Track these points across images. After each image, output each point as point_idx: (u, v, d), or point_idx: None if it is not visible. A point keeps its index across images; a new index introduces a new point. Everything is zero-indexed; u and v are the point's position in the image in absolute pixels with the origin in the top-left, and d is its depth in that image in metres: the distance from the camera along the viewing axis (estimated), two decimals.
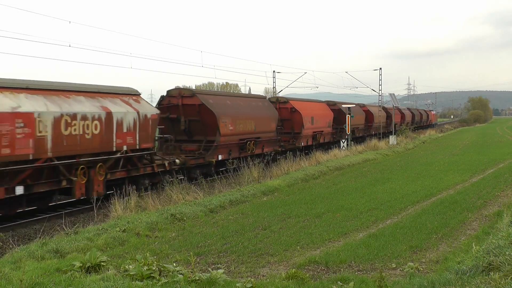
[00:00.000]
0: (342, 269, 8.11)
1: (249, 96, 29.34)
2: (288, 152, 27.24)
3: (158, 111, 17.84)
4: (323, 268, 8.26)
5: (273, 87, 48.00)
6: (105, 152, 15.18)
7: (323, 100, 38.77)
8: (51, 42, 42.74)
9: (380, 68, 47.96)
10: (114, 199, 13.36)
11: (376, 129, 46.90)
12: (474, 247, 7.85)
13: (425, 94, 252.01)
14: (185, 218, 12.28)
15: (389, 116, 51.55)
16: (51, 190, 13.79)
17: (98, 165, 14.77)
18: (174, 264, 7.96)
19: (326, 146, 34.21)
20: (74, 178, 13.97)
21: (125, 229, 10.74)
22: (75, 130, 13.90)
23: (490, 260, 6.50)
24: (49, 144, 13.14)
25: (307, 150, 30.30)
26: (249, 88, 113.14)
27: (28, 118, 12.48)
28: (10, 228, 12.82)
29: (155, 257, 8.08)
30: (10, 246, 9.86)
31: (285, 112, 29.65)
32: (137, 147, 16.48)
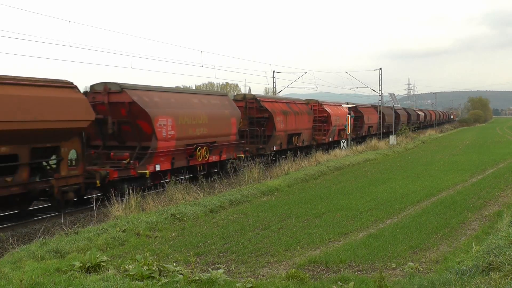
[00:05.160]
0: (342, 269, 8.11)
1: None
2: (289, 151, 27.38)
3: None
4: (323, 268, 8.25)
5: (273, 87, 47.96)
6: None
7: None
8: (51, 42, 42.75)
9: (380, 68, 47.87)
10: (115, 199, 13.36)
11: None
12: (474, 247, 7.85)
13: (425, 94, 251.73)
14: (185, 218, 12.28)
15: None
16: None
17: None
18: (174, 264, 7.95)
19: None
20: None
21: (125, 229, 10.74)
22: None
23: (490, 260, 6.50)
24: None
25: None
26: (249, 88, 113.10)
27: None
28: (10, 228, 12.82)
29: (155, 257, 8.08)
30: (10, 246, 9.85)
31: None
32: None
